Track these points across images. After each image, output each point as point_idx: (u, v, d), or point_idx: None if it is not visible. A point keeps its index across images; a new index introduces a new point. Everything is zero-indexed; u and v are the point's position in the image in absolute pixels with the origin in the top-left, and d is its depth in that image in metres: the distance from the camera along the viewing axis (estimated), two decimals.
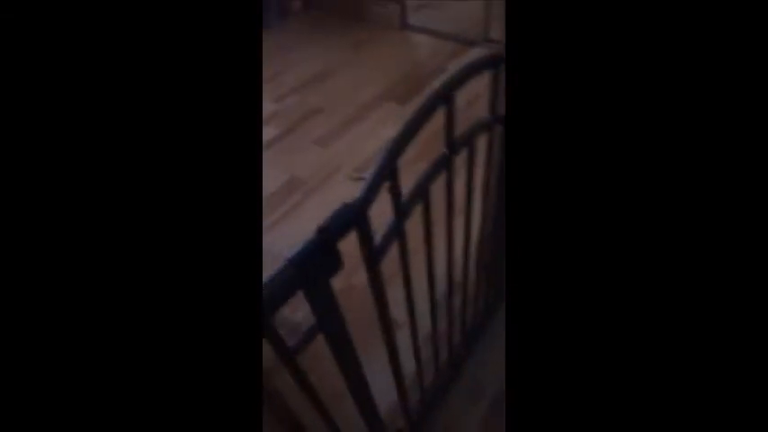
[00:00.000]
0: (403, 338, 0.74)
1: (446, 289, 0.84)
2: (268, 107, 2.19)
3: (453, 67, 2.24)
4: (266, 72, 2.43)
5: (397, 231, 0.56)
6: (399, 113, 2.03)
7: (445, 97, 0.55)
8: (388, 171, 0.50)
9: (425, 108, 0.51)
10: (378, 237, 0.53)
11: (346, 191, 1.68)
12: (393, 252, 0.58)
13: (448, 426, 1.03)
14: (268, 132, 2.03)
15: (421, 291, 0.74)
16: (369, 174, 0.48)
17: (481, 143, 0.72)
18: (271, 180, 1.79)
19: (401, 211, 0.55)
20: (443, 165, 0.61)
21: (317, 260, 0.44)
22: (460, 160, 0.66)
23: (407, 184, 0.56)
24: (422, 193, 0.59)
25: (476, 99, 1.37)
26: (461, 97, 0.59)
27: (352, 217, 0.46)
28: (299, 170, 1.82)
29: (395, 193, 0.53)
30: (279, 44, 2.66)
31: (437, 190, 0.63)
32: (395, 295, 0.65)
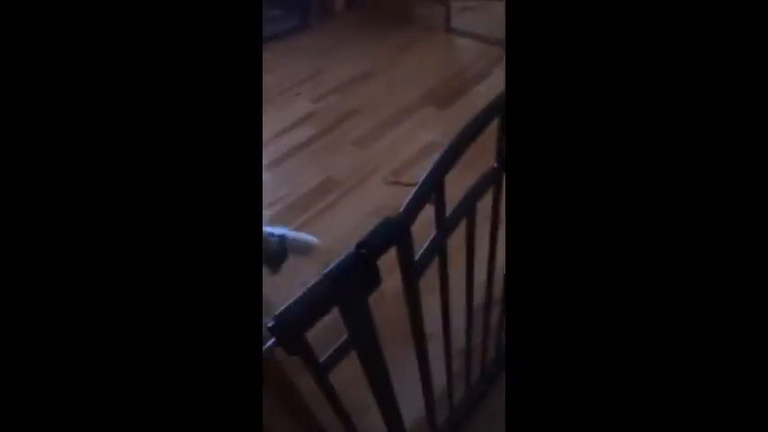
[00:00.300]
0: (433, 351, 0.71)
1: (484, 302, 0.80)
2: (306, 107, 2.20)
3: (499, 71, 2.18)
4: (305, 72, 2.45)
5: (438, 248, 0.53)
6: (439, 118, 1.99)
7: (500, 109, 0.52)
8: (434, 185, 0.47)
9: (480, 120, 0.48)
10: (417, 250, 0.51)
11: (382, 194, 1.66)
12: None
13: None
14: (305, 132, 2.05)
15: (455, 302, 0.70)
16: (415, 186, 0.45)
17: None
18: (306, 179, 1.79)
19: (444, 227, 0.52)
20: (493, 180, 0.57)
21: (355, 276, 0.42)
22: None
23: (449, 193, 0.53)
24: (468, 209, 0.55)
25: None
26: None
27: (395, 233, 0.44)
28: (335, 171, 1.82)
29: (440, 208, 0.50)
30: (319, 44, 2.68)
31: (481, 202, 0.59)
32: (427, 304, 0.61)
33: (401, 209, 0.45)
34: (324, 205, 1.68)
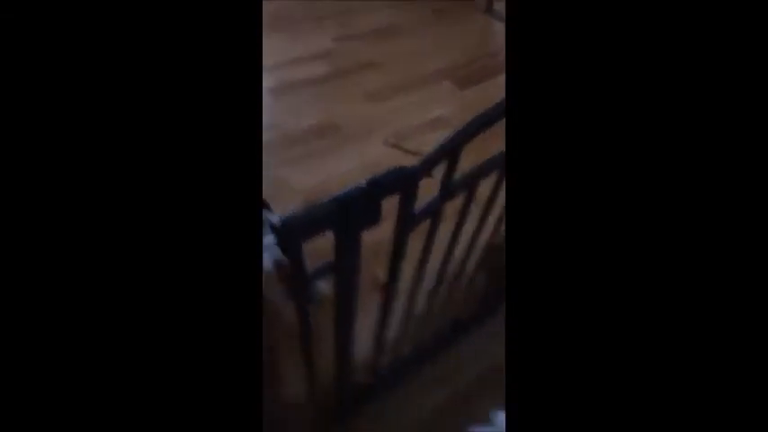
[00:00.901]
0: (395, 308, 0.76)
1: (454, 273, 0.85)
2: (325, 43, 2.13)
3: None
4: (334, 7, 2.35)
5: (435, 210, 0.56)
6: (454, 95, 1.98)
7: None
8: (453, 150, 0.49)
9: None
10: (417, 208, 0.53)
11: (378, 153, 1.67)
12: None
13: (401, 403, 1.06)
14: (318, 69, 1.99)
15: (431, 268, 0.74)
16: (432, 148, 0.48)
17: None
18: (308, 116, 1.77)
19: (447, 190, 0.55)
20: (500, 164, 0.60)
21: (358, 207, 0.44)
22: None
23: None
24: (471, 183, 0.58)
25: None
26: None
27: (405, 180, 0.46)
28: (338, 117, 1.79)
29: (449, 174, 0.52)
30: None
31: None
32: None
33: (417, 163, 0.47)
34: (319, 146, 1.67)
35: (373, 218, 0.46)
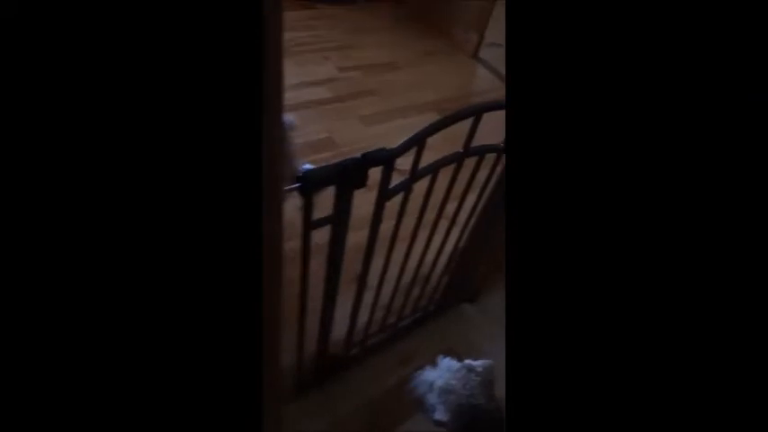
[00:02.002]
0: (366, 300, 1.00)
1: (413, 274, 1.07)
2: (330, 72, 2.42)
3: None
4: (340, 41, 2.67)
5: (407, 186, 0.78)
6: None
7: (477, 114, 0.78)
8: (419, 140, 0.72)
9: (468, 111, 0.74)
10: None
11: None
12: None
13: (370, 375, 1.23)
14: (322, 93, 2.27)
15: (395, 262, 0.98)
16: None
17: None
18: (310, 132, 2.01)
19: (414, 173, 0.77)
20: (455, 160, 0.83)
21: (352, 171, 0.66)
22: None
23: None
24: (433, 170, 0.81)
25: None
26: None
27: (386, 157, 0.68)
28: (337, 135, 2.04)
29: (416, 159, 0.75)
30: (360, 22, 2.91)
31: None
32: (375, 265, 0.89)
33: (395, 146, 0.70)
34: (318, 157, 1.91)
35: (362, 181, 0.68)
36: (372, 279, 0.94)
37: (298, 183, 0.62)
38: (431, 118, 0.71)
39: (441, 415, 0.79)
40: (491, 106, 0.79)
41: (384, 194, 0.74)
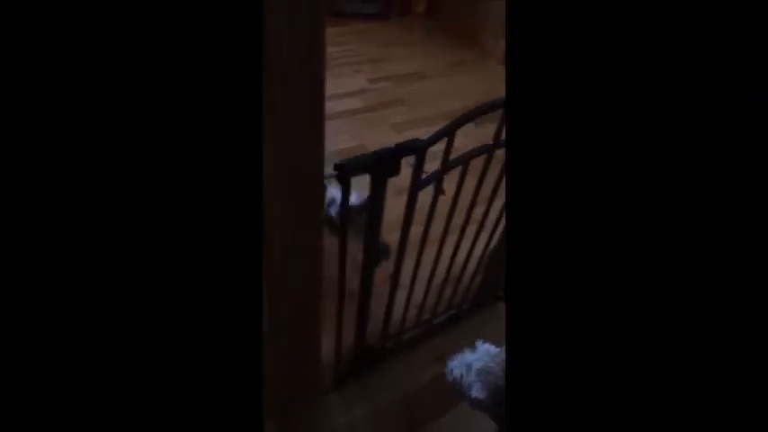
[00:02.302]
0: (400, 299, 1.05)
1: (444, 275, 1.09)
2: (362, 84, 2.52)
3: None
4: (371, 54, 2.78)
5: (438, 178, 0.82)
6: (470, 131, 2.27)
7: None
8: (449, 132, 0.76)
9: (498, 101, 0.77)
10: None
11: (404, 172, 1.95)
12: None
13: (406, 369, 1.25)
14: (354, 103, 2.36)
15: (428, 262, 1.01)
16: (436, 130, 0.75)
17: None
18: (342, 140, 2.10)
19: (445, 164, 0.81)
20: (485, 151, 0.86)
21: (387, 160, 0.71)
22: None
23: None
24: (464, 162, 0.84)
25: None
26: None
27: (418, 148, 0.73)
28: (369, 142, 2.11)
29: (447, 150, 0.79)
30: (391, 36, 3.01)
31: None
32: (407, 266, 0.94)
33: (426, 137, 0.74)
34: None
35: (396, 170, 0.72)
36: (405, 278, 0.98)
37: (336, 169, 0.67)
38: (464, 126, 0.75)
39: (478, 392, 0.80)
40: None
41: (417, 182, 0.78)
